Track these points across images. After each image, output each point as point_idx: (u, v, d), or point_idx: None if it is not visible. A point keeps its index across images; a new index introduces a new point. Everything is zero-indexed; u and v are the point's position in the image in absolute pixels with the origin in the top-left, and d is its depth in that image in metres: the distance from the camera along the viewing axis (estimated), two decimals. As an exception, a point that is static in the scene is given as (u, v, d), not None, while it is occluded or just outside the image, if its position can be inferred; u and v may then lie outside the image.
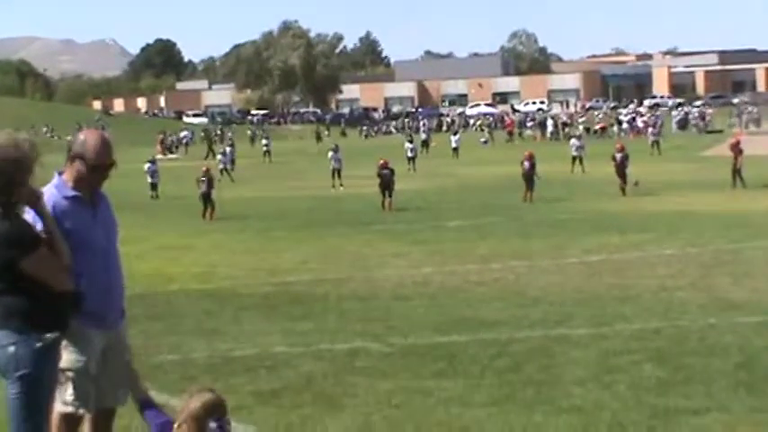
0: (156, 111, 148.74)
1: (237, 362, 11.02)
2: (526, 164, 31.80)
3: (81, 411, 6.12)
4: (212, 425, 4.79)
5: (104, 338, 6.19)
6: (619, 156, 32.82)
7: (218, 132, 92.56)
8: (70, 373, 6.02)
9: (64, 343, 5.94)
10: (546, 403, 9.10)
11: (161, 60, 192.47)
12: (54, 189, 6.14)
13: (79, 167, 6.15)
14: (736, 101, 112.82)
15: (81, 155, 6.14)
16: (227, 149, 52.98)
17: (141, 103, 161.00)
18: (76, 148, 6.17)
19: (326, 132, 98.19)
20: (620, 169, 32.68)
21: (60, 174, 6.27)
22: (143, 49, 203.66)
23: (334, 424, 8.67)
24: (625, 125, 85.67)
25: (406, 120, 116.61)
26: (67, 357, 6.01)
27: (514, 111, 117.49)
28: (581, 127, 79.76)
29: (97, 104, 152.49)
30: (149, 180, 37.55)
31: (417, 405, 9.17)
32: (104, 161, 6.17)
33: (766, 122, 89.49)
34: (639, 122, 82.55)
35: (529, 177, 31.50)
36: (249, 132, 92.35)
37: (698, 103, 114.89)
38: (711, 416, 8.59)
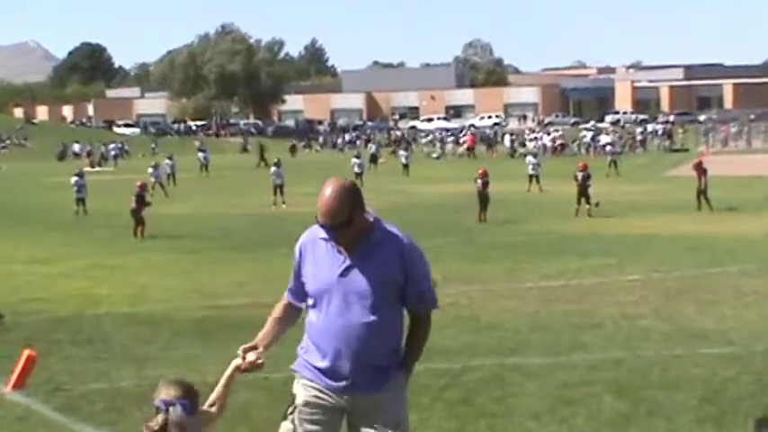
0: (84, 120, 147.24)
1: (169, 391, 10.92)
2: (479, 182, 31.91)
3: None
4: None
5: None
6: (580, 175, 32.90)
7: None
8: None
9: None
10: (499, 437, 9.13)
11: (89, 65, 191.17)
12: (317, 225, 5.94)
13: None
14: (702, 118, 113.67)
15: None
16: (165, 162, 52.74)
17: (67, 111, 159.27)
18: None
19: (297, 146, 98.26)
20: (582, 189, 32.77)
21: None
22: (69, 53, 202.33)
23: (273, 458, 8.63)
24: (587, 142, 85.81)
25: (354, 133, 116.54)
26: None
27: (472, 126, 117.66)
28: (538, 143, 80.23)
29: (19, 112, 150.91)
30: (75, 195, 37.10)
31: (362, 439, 9.15)
32: (325, 223, 5.81)
33: (734, 141, 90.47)
34: (604, 140, 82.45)
35: (483, 196, 31.61)
36: (197, 143, 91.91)
37: (662, 119, 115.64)
38: (674, 452, 8.68)
